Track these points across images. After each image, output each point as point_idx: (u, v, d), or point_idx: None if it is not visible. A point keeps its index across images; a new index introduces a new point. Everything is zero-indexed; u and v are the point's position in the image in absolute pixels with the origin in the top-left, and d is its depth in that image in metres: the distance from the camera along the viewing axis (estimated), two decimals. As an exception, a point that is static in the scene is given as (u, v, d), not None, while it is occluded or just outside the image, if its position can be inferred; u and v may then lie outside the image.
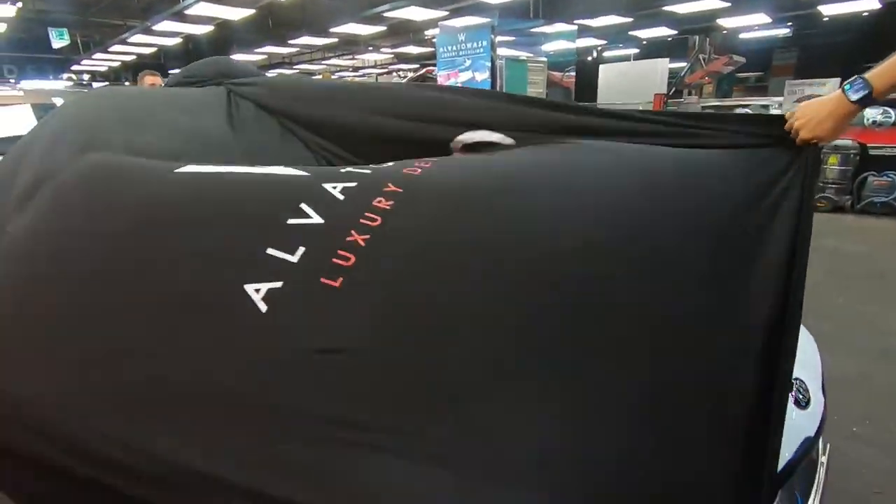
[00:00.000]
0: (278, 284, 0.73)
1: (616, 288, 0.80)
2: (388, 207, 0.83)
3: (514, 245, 0.82)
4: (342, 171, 0.97)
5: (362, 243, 0.78)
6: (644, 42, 15.03)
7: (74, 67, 19.60)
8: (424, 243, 0.82)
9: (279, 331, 0.71)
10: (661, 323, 0.78)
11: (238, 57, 18.18)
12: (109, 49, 15.76)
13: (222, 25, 12.17)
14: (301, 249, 0.77)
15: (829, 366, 1.48)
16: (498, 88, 7.04)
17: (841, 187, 6.37)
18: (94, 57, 17.73)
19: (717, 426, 0.76)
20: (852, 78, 0.88)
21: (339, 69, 21.64)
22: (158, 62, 19.99)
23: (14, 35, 13.98)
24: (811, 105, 0.91)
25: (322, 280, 0.74)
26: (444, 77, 7.58)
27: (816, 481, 1.07)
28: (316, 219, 0.81)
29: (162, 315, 0.74)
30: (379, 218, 0.81)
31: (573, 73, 11.09)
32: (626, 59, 13.67)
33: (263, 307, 0.71)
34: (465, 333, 0.73)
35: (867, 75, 0.87)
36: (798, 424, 1.01)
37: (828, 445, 1.26)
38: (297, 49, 17.45)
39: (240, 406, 0.67)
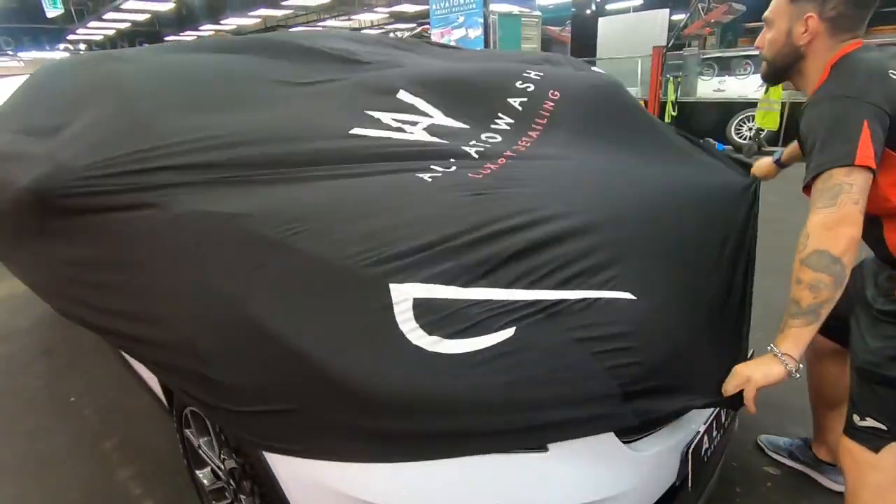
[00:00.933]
0: (438, 174, 1.25)
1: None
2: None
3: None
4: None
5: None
6: (647, -8, 14.52)
7: (70, 37, 19.37)
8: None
9: (440, 186, 1.19)
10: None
11: (232, 20, 17.82)
12: (103, 17, 15.54)
13: (215, -12, 11.94)
14: (453, 167, 1.30)
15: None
16: (491, 45, 6.97)
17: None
18: (88, 25, 17.50)
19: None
20: (777, 153, 1.55)
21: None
22: (153, 28, 19.67)
23: (7, 5, 13.82)
24: (761, 163, 1.58)
25: (469, 174, 1.25)
26: (437, 35, 7.49)
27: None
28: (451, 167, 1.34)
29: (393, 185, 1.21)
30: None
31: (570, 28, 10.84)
32: (626, 11, 13.27)
33: (429, 180, 1.22)
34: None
35: (781, 155, 1.52)
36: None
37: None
38: (292, 11, 17.09)
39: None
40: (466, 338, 0.84)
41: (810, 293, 0.92)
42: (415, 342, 0.83)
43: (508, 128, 1.54)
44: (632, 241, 1.11)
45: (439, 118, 1.57)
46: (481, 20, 6.63)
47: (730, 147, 7.67)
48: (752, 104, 7.47)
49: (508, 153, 1.40)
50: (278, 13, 17.27)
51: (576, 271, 0.98)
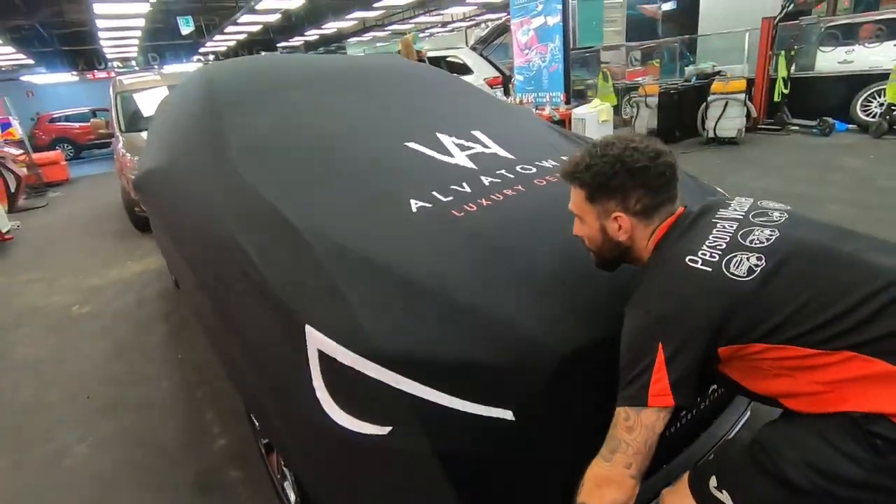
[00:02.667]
0: (429, 205, 1.39)
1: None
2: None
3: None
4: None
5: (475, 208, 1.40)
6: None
7: (201, 50, 22.04)
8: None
9: (419, 218, 1.36)
10: None
11: (332, 24, 19.05)
12: (225, 31, 17.47)
13: (314, -2, 12.87)
14: (450, 198, 1.43)
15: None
16: (571, 31, 6.79)
17: None
18: (214, 39, 19.77)
19: None
20: None
21: (428, 25, 21.69)
22: (268, 37, 21.64)
23: (152, 27, 16.13)
24: None
25: (451, 212, 1.38)
26: (517, 25, 7.47)
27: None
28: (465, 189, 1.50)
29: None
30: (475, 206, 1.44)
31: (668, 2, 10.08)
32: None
33: (415, 209, 1.38)
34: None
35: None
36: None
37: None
38: (385, 10, 17.84)
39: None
40: (357, 419, 0.97)
41: None
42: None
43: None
44: None
45: (495, 148, 1.73)
46: (560, 5, 6.49)
47: (854, 127, 6.75)
48: (884, 76, 6.49)
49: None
50: (372, 14, 18.14)
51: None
